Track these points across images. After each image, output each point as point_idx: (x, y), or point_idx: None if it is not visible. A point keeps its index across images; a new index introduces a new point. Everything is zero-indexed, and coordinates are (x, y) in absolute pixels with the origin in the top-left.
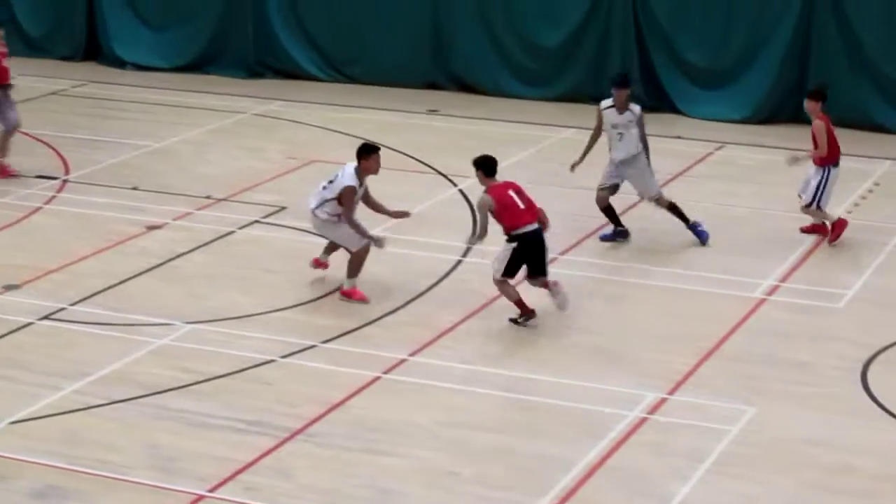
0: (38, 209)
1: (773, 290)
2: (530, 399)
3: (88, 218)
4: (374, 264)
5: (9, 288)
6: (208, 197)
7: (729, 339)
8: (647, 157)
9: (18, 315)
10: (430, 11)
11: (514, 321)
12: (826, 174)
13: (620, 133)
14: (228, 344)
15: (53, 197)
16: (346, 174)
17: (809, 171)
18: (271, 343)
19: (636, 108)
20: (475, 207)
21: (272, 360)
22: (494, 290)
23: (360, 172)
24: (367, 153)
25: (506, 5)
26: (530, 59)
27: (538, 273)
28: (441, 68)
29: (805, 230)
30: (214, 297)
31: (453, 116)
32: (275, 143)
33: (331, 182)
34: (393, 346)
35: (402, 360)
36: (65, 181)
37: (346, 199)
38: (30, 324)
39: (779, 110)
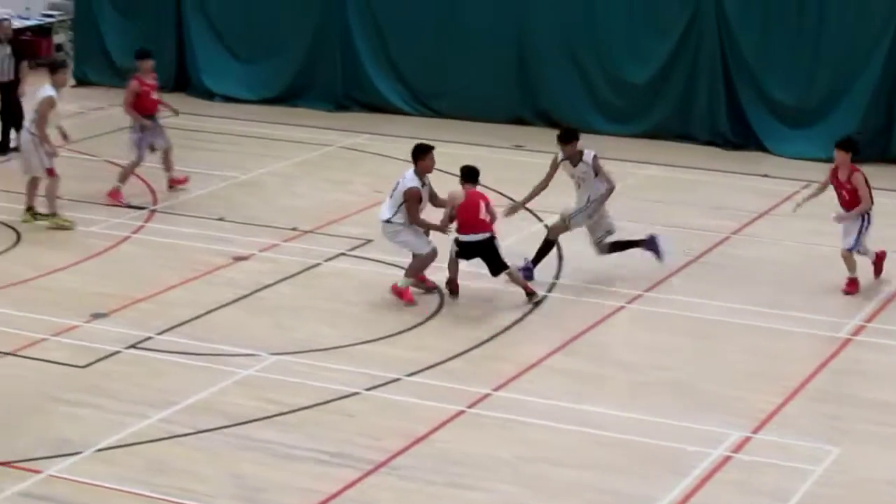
0: (126, 238)
1: (858, 330)
2: (613, 436)
3: (176, 248)
4: (459, 299)
5: (97, 316)
6: (294, 229)
7: (814, 379)
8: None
9: (106, 343)
10: (516, 46)
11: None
12: (863, 222)
13: (578, 183)
14: (313, 375)
15: (141, 227)
16: (407, 178)
17: (844, 224)
18: (356, 375)
19: (589, 157)
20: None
21: (356, 393)
22: (579, 327)
23: (419, 173)
24: (423, 153)
25: (593, 41)
26: (617, 96)
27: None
28: (527, 103)
29: (847, 291)
30: (300, 328)
31: (539, 152)
32: (361, 175)
33: (394, 190)
34: (477, 381)
35: (486, 395)
36: (153, 211)
37: (411, 200)
38: (117, 352)
39: (865, 150)
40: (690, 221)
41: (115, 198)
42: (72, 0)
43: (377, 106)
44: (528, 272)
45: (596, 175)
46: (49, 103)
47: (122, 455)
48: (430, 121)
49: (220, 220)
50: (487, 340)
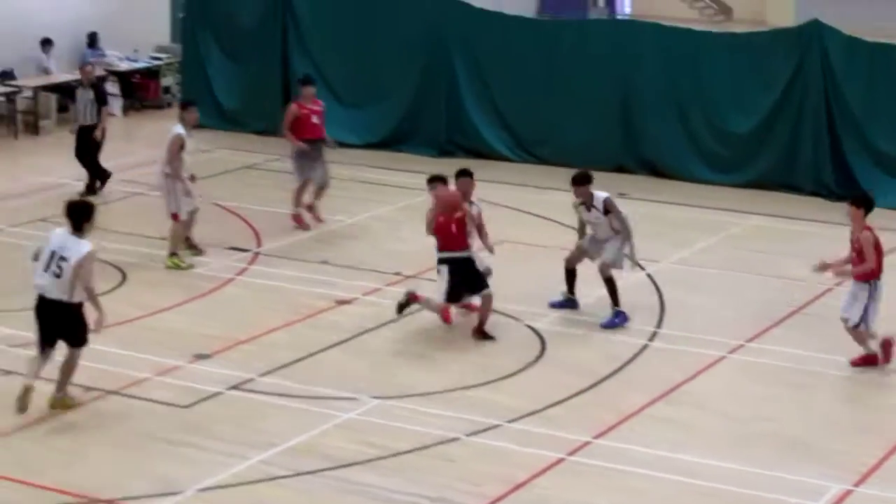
0: (230, 280)
1: None
2: (712, 486)
3: (279, 290)
4: (560, 345)
5: (200, 357)
6: (398, 273)
7: None
8: (629, 241)
9: (208, 384)
10: (621, 95)
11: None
12: (871, 291)
13: (593, 227)
14: (414, 420)
15: (245, 269)
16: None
17: (852, 288)
18: (456, 420)
19: (599, 200)
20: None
21: (457, 438)
22: (679, 376)
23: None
24: (459, 177)
25: (697, 91)
26: (720, 145)
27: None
28: (630, 151)
29: (855, 363)
30: (401, 372)
31: (642, 200)
32: None
33: None
34: (577, 428)
35: (586, 443)
36: (256, 253)
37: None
38: (219, 393)
39: None
40: (793, 272)
41: (298, 222)
42: (180, 43)
43: (481, 152)
44: (571, 303)
45: (606, 214)
46: (177, 142)
47: (222, 496)
48: (532, 167)
49: (324, 263)
50: (588, 388)
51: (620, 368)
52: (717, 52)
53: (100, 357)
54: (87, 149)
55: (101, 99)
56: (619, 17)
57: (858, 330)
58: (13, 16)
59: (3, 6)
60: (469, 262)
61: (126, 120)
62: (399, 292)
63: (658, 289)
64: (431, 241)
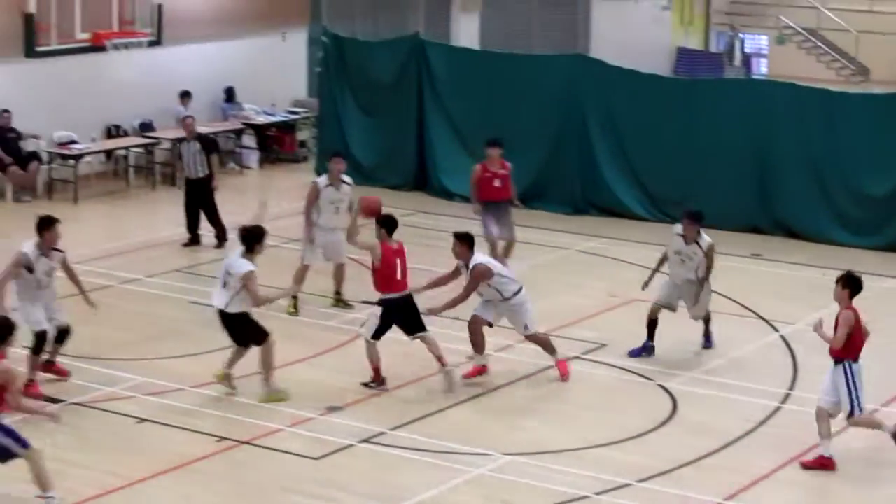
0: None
1: None
2: None
3: (411, 345)
4: (691, 405)
5: (332, 409)
6: (527, 328)
7: None
8: (708, 283)
9: (340, 436)
10: (756, 155)
11: (365, 385)
12: (848, 372)
13: (683, 259)
14: (544, 477)
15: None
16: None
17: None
18: (586, 479)
19: (705, 242)
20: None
21: (586, 497)
22: (813, 439)
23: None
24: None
25: (833, 152)
26: (857, 207)
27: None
28: (766, 213)
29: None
30: (532, 429)
31: (777, 261)
32: (597, 280)
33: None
34: (707, 490)
35: None
36: None
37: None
38: (350, 446)
39: None
40: None
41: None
42: (316, 97)
43: (614, 210)
44: (649, 350)
45: (706, 257)
46: (312, 190)
47: None
48: (667, 226)
49: (456, 319)
50: (719, 449)
51: (752, 430)
52: (853, 113)
53: (234, 407)
54: (199, 201)
55: (209, 148)
56: (754, 76)
57: (856, 419)
58: (154, 69)
59: (145, 59)
60: (409, 303)
61: (261, 172)
62: (531, 349)
63: (791, 350)
64: (565, 300)
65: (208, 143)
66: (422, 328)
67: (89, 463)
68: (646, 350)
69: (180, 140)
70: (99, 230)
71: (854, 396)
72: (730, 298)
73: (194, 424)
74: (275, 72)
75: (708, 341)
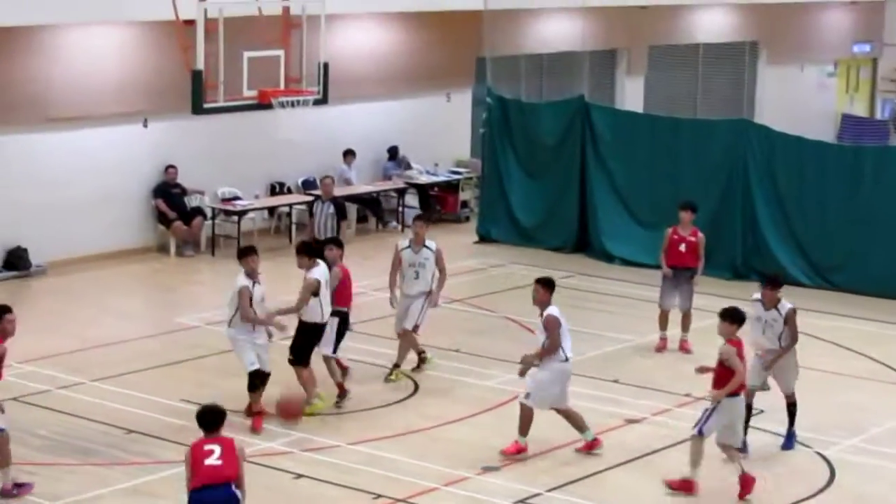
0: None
1: None
2: None
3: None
4: (850, 474)
5: (488, 469)
6: (688, 395)
7: None
8: (792, 354)
9: (495, 497)
10: None
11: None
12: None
13: (763, 328)
14: None
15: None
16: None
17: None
18: None
19: (785, 308)
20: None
21: None
22: None
23: None
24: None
25: None
26: None
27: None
28: None
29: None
30: (689, 495)
31: None
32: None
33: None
34: None
35: None
36: None
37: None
38: None
39: None
40: None
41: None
42: (479, 158)
43: None
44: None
45: (785, 323)
46: (395, 254)
47: None
48: (827, 294)
49: (615, 381)
50: None
51: None
52: None
53: (390, 465)
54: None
55: (341, 213)
56: None
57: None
58: (319, 127)
59: (310, 117)
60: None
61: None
62: (689, 414)
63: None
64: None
65: (341, 208)
66: None
67: None
68: (791, 437)
69: (315, 199)
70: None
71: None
72: (889, 367)
73: (351, 481)
74: (438, 132)
75: (789, 441)
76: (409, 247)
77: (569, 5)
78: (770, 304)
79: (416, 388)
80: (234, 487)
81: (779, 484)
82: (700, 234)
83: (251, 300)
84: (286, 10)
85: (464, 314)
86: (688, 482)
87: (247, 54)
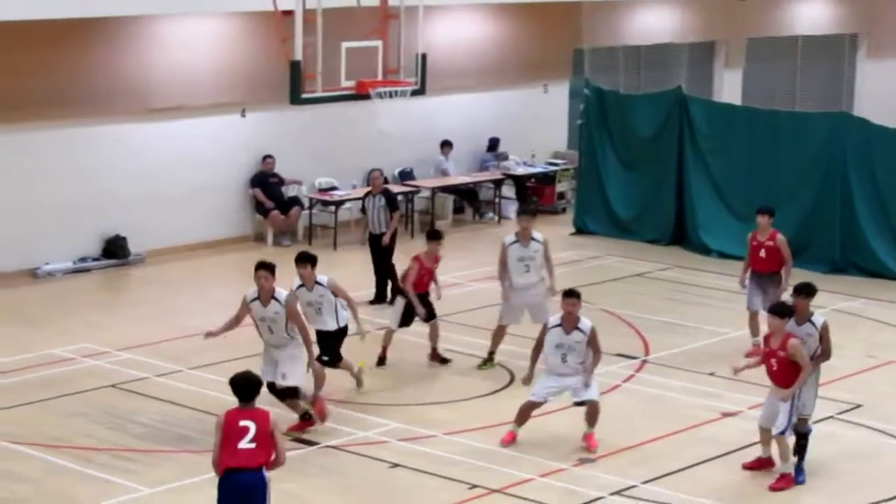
0: (616, 387)
1: None
2: None
3: (664, 399)
4: None
5: (584, 461)
6: (749, 355)
7: None
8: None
9: (591, 488)
10: None
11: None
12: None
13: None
14: None
15: (632, 376)
16: None
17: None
18: None
19: (819, 322)
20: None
21: None
22: None
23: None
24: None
25: None
26: None
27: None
28: None
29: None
30: (786, 491)
31: None
32: (854, 340)
33: None
34: None
35: None
36: (644, 361)
37: None
38: (601, 497)
39: None
40: None
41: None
42: (576, 150)
43: (874, 271)
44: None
45: (821, 341)
46: (501, 250)
47: None
48: None
49: (711, 374)
50: None
51: None
52: None
53: (485, 456)
54: (380, 255)
55: (392, 205)
56: None
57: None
58: (415, 117)
59: (407, 108)
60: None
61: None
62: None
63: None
64: None
65: (392, 200)
66: None
67: None
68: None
69: (367, 194)
70: (357, 275)
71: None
72: None
73: (446, 471)
74: (535, 123)
75: (798, 473)
76: (516, 241)
77: None
78: (802, 318)
79: (512, 378)
80: (264, 471)
81: (875, 480)
82: (780, 237)
83: None
84: (384, 0)
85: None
86: (788, 476)
87: (345, 45)
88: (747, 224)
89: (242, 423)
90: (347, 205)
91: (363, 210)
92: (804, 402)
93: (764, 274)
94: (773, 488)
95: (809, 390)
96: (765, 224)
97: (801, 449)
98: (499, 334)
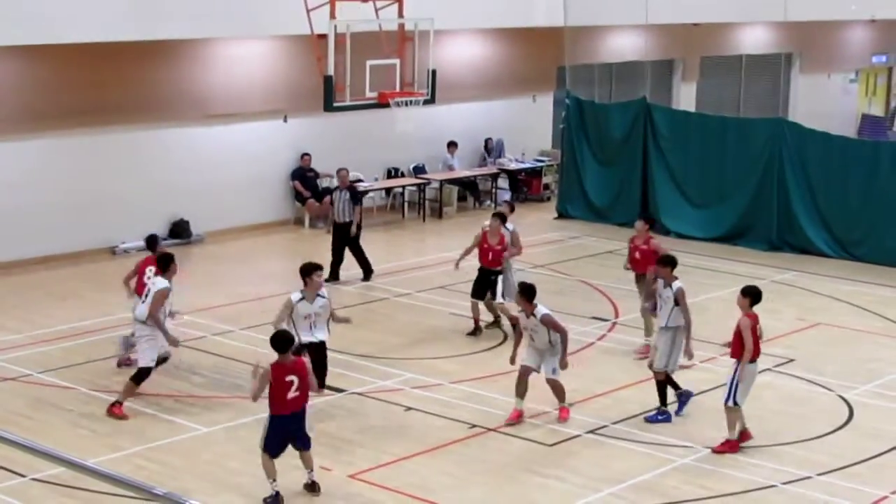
0: (591, 344)
1: None
2: None
3: (628, 356)
4: (866, 414)
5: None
6: (727, 344)
7: None
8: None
9: (570, 428)
10: None
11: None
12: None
13: (661, 304)
14: (739, 468)
15: (604, 335)
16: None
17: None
18: (774, 471)
19: (676, 286)
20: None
21: (774, 486)
22: None
23: None
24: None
25: None
26: None
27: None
28: None
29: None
30: None
31: None
32: (788, 306)
33: None
34: (877, 484)
35: (884, 497)
36: (614, 323)
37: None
38: (578, 436)
39: None
40: None
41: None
42: (559, 149)
43: (805, 248)
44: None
45: (676, 304)
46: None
47: None
48: (849, 264)
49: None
50: (888, 451)
51: None
52: None
53: (484, 401)
54: (344, 242)
55: (356, 199)
56: None
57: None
58: (427, 123)
59: (420, 114)
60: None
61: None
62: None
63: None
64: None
65: (356, 194)
66: None
67: (366, 442)
68: (662, 415)
69: (334, 189)
70: (379, 254)
71: (732, 390)
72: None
73: (451, 413)
74: (525, 127)
75: (662, 414)
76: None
77: (635, 22)
78: (667, 282)
79: (505, 338)
80: (305, 406)
81: (806, 421)
82: (654, 241)
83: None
84: (401, 26)
85: (545, 277)
86: (732, 442)
87: (369, 63)
88: (700, 210)
89: (288, 378)
90: (371, 194)
91: (331, 202)
92: (674, 360)
93: (640, 275)
94: (717, 451)
95: (676, 351)
96: (641, 228)
97: (663, 391)
98: (501, 308)
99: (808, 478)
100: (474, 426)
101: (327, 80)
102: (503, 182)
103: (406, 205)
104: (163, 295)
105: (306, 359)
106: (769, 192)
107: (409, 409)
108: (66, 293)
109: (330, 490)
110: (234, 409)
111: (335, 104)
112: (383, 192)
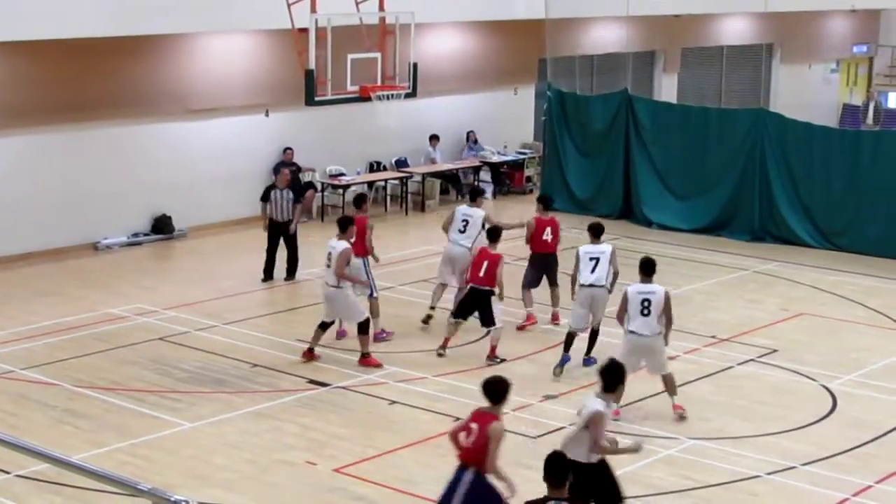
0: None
1: None
2: None
3: (615, 344)
4: (850, 403)
5: (548, 398)
6: (713, 336)
7: None
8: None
9: (555, 420)
10: None
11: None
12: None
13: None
14: (724, 459)
15: (586, 326)
16: None
17: None
18: (759, 461)
19: (609, 249)
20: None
21: (758, 476)
22: None
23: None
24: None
25: None
26: None
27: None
28: None
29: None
30: (715, 418)
31: None
32: (771, 296)
33: None
34: (861, 474)
35: (868, 486)
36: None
37: None
38: (563, 427)
39: None
40: None
41: None
42: (541, 141)
43: (787, 239)
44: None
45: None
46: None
47: None
48: (831, 253)
49: None
50: (871, 440)
51: None
52: None
53: (469, 394)
54: (279, 240)
55: (297, 198)
56: None
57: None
58: (409, 116)
59: (402, 108)
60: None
61: (495, 202)
62: (715, 352)
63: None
64: (744, 313)
65: (297, 193)
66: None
67: (351, 436)
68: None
69: (272, 187)
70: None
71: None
72: (884, 315)
73: (436, 406)
74: (507, 119)
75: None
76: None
77: (616, 14)
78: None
79: (488, 332)
80: (474, 472)
81: (790, 411)
82: (556, 221)
83: (349, 262)
84: (382, 20)
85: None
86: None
87: (350, 56)
88: (682, 201)
89: (472, 424)
90: (353, 188)
91: (269, 200)
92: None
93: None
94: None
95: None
96: (540, 209)
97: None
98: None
99: (793, 468)
100: (458, 419)
101: (308, 74)
102: (485, 174)
103: (388, 198)
104: (345, 257)
105: None
106: (751, 183)
107: (394, 402)
108: (48, 289)
109: (315, 484)
110: (218, 403)
111: (317, 98)
112: (366, 186)
